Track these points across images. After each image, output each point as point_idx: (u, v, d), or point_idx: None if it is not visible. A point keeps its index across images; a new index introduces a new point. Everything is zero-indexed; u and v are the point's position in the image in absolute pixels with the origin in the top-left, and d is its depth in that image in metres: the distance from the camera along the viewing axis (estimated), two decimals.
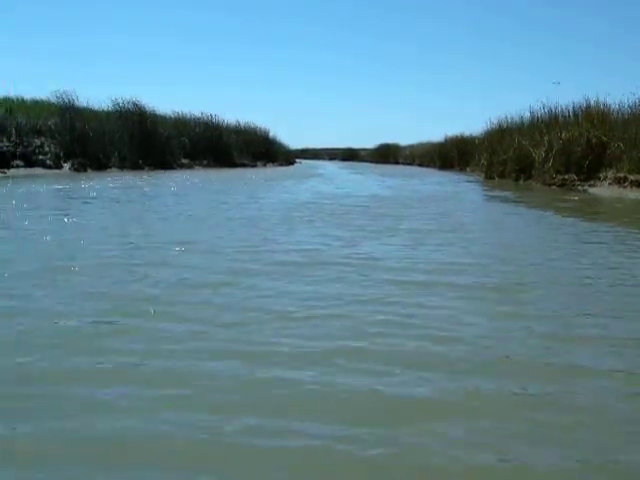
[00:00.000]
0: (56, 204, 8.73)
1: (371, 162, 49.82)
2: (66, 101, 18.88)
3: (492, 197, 12.37)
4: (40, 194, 10.29)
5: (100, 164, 18.27)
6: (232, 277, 3.89)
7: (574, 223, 7.47)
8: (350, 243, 5.43)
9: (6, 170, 14.66)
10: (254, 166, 30.07)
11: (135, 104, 21.50)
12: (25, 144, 16.45)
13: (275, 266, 4.26)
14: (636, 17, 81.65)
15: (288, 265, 4.31)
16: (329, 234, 5.96)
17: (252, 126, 33.76)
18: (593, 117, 14.85)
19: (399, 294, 3.54)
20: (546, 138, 15.72)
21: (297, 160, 45.59)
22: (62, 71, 68.65)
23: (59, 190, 11.16)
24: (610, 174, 13.34)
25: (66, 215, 7.09)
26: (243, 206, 8.92)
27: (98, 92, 45.47)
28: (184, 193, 11.34)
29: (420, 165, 37.07)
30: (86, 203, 8.81)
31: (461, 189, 14.76)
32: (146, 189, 12.29)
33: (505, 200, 11.27)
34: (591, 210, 9.58)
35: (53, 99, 19.12)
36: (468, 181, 18.73)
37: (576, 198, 11.65)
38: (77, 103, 19.16)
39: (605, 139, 13.95)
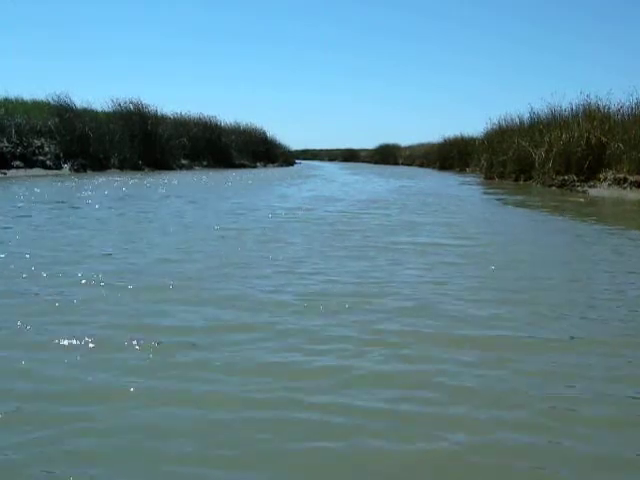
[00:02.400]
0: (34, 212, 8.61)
1: (371, 163, 49.84)
2: (66, 102, 18.86)
3: (502, 201, 11.44)
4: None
5: (100, 165, 18.26)
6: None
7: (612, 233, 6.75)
8: (362, 268, 4.42)
9: (6, 171, 14.65)
10: (254, 167, 30.07)
11: (136, 104, 21.51)
12: (25, 145, 16.43)
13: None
14: (637, 16, 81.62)
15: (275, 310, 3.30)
16: (334, 255, 4.95)
17: (251, 127, 33.80)
18: (593, 118, 14.86)
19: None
20: (546, 139, 15.73)
21: (297, 161, 45.65)
22: (62, 71, 68.72)
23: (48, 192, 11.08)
24: (610, 175, 13.34)
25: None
26: (236, 213, 8.03)
27: (97, 92, 45.67)
28: (177, 195, 11.13)
29: (420, 166, 37.09)
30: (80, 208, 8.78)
31: (465, 192, 14.37)
32: (139, 192, 12.26)
33: (517, 204, 10.55)
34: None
35: (53, 100, 19.09)
36: (469, 182, 18.67)
37: (582, 200, 11.53)
38: (77, 104, 19.19)
39: (605, 140, 13.95)
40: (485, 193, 14.31)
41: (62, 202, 8.88)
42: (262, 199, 10.56)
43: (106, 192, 11.12)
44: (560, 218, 8.38)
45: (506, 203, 10.95)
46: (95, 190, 11.58)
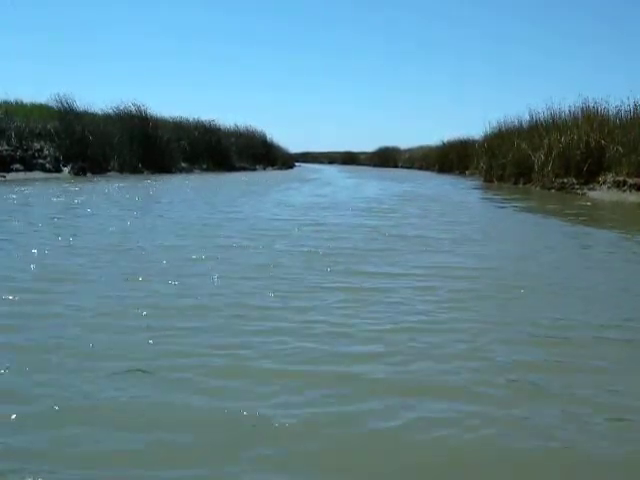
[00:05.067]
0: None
1: (370, 166, 49.94)
2: (65, 105, 18.86)
3: (511, 208, 10.49)
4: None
5: (100, 168, 18.26)
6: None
7: None
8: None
9: (5, 174, 14.64)
10: (254, 170, 30.14)
11: (137, 107, 21.54)
12: (25, 148, 16.44)
13: None
14: (637, 16, 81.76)
15: None
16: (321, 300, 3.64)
17: (251, 130, 33.91)
18: (592, 120, 14.89)
19: None
20: (545, 141, 15.76)
21: (296, 164, 45.79)
22: (61, 73, 68.60)
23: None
24: (609, 178, 13.36)
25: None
26: (219, 225, 6.99)
27: (96, 95, 45.70)
28: (167, 201, 10.92)
29: (419, 169, 37.18)
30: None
31: (469, 197, 13.96)
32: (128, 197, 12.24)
33: (528, 211, 9.92)
34: None
35: (52, 103, 19.10)
36: (469, 186, 18.57)
37: (589, 204, 11.36)
38: (77, 106, 19.17)
39: (604, 142, 13.98)
40: (490, 198, 13.60)
41: None
42: (255, 206, 9.84)
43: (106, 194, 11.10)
44: (590, 229, 7.54)
45: (516, 209, 10.21)
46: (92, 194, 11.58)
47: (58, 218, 7.19)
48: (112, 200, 10.08)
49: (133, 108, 21.41)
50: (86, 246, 5.19)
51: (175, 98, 76.20)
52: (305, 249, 5.33)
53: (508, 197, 13.29)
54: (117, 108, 21.27)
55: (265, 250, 5.26)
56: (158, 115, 23.15)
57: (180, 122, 26.22)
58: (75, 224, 6.76)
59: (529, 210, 10.13)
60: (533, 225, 8.30)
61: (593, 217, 9.46)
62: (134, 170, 19.55)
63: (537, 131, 17.03)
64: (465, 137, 28.11)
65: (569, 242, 6.62)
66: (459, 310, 3.45)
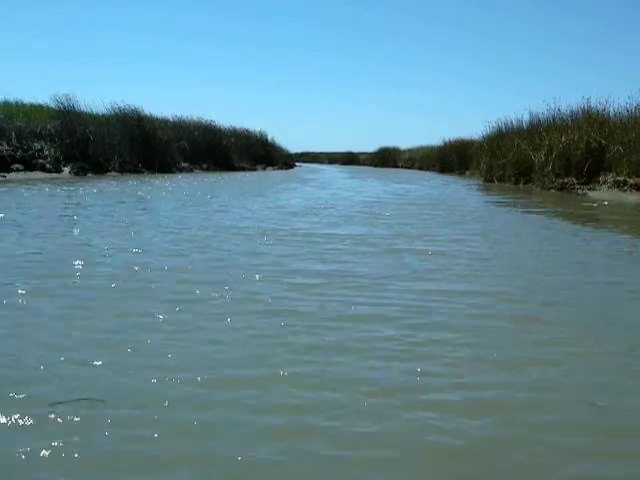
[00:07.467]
0: None
1: (370, 166, 49.92)
2: (66, 105, 18.85)
3: (523, 211, 9.94)
4: None
5: (100, 168, 18.26)
6: None
7: None
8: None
9: (5, 174, 14.64)
10: (253, 170, 30.17)
11: (136, 108, 21.55)
12: (25, 148, 16.44)
13: None
14: (636, 17, 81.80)
15: None
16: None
17: (251, 130, 33.96)
18: (593, 120, 14.89)
19: None
20: (546, 142, 15.75)
21: (297, 164, 45.82)
22: (61, 74, 68.72)
23: None
24: (610, 178, 13.37)
25: None
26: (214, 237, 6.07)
27: (96, 95, 45.67)
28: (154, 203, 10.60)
29: (420, 169, 37.15)
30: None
31: (475, 199, 13.48)
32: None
33: (545, 215, 9.43)
34: None
35: (53, 103, 19.11)
36: (473, 187, 18.29)
37: (595, 205, 11.21)
38: (77, 107, 19.15)
39: (605, 143, 13.97)
40: (500, 202, 12.38)
41: None
42: (250, 211, 9.09)
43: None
44: (620, 237, 6.84)
45: (542, 215, 9.34)
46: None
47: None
48: (91, 203, 9.45)
49: (133, 109, 21.44)
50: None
51: (175, 98, 76.36)
52: (306, 273, 4.40)
53: (519, 199, 12.70)
54: (117, 108, 21.30)
55: (244, 287, 3.90)
56: (159, 115, 23.22)
57: (181, 122, 26.25)
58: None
59: (556, 215, 9.38)
60: (578, 236, 7.17)
61: (609, 221, 9.12)
62: (134, 170, 19.57)
63: (537, 131, 17.03)
64: (466, 137, 28.13)
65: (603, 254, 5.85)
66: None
